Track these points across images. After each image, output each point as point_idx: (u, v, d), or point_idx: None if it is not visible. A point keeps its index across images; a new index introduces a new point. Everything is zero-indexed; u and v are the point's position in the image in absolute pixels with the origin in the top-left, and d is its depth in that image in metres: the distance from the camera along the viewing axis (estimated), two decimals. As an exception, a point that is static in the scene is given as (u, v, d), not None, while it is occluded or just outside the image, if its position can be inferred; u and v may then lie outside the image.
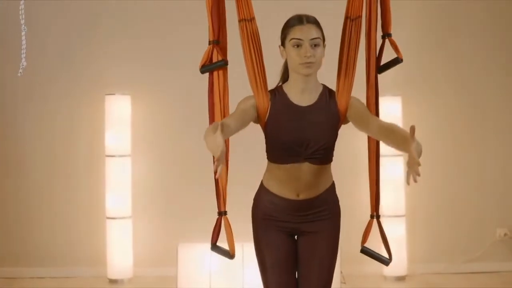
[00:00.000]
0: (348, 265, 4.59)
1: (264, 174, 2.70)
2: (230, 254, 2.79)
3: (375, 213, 2.82)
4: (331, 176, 2.67)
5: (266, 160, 2.67)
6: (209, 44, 2.74)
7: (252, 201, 2.75)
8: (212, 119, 2.80)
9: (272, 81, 2.67)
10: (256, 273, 4.34)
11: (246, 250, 4.38)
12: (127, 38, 4.93)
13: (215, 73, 2.75)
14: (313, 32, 2.49)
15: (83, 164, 4.92)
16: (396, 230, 4.81)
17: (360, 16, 2.63)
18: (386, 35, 2.76)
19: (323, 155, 2.58)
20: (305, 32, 2.49)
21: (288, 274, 2.64)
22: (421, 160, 5.04)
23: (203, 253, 4.45)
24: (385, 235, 2.80)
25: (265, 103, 2.58)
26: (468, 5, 5.09)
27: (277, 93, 2.60)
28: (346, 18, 2.64)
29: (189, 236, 4.72)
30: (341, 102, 2.58)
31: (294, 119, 2.55)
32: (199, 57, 4.84)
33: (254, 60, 2.61)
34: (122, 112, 4.77)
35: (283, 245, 2.63)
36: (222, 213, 2.84)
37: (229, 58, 2.74)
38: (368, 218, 2.83)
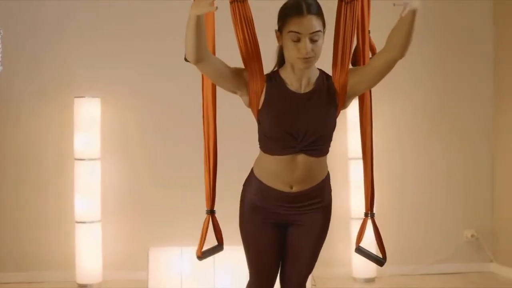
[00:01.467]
0: (318, 267, 4.56)
1: (255, 162, 2.64)
2: (221, 247, 2.78)
3: (369, 211, 2.77)
4: (326, 167, 2.62)
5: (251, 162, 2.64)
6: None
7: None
8: (205, 119, 2.77)
9: (268, 65, 2.58)
10: (227, 276, 4.40)
11: (217, 254, 4.35)
12: (97, 40, 4.87)
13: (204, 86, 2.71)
14: (314, 25, 2.39)
15: (52, 168, 4.86)
16: (366, 232, 4.83)
17: None
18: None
19: (320, 146, 2.53)
20: (305, 26, 2.38)
21: (273, 262, 2.65)
22: (391, 164, 5.12)
23: (174, 256, 4.44)
24: (379, 234, 2.76)
25: (259, 86, 2.50)
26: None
27: (273, 79, 2.52)
28: (341, 1, 2.55)
29: (160, 239, 4.71)
30: (339, 86, 2.51)
31: (290, 107, 2.48)
32: (170, 60, 4.88)
33: (248, 43, 2.50)
34: (92, 115, 4.71)
35: (270, 236, 2.62)
36: (208, 212, 2.78)
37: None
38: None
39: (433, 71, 5.21)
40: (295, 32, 2.39)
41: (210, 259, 4.38)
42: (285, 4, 2.47)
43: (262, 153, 2.58)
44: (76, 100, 4.71)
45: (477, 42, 5.25)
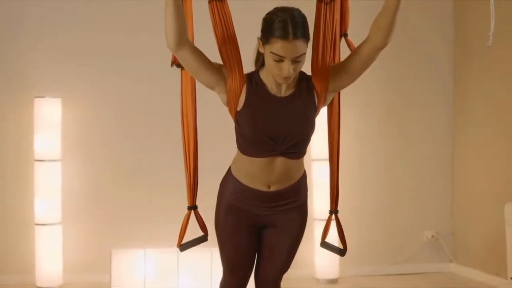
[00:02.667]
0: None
1: (233, 162, 2.62)
2: (205, 236, 2.72)
3: (334, 209, 2.78)
4: (303, 166, 2.62)
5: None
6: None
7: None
8: (183, 116, 2.70)
9: (248, 65, 2.55)
10: (191, 279, 4.38)
11: (181, 256, 4.35)
12: (58, 38, 4.77)
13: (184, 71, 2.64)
14: (299, 50, 2.35)
15: (11, 169, 4.75)
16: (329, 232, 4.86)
17: (335, 0, 2.54)
18: (344, 34, 2.73)
19: (299, 149, 2.53)
20: (290, 51, 2.33)
21: (248, 262, 2.66)
22: (351, 166, 5.13)
23: (137, 259, 4.40)
24: (342, 229, 2.78)
25: (238, 86, 2.46)
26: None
27: (254, 80, 2.49)
28: (320, 1, 2.53)
29: (123, 242, 4.65)
30: (319, 87, 2.50)
31: (271, 111, 2.46)
32: (133, 58, 4.81)
33: (227, 43, 2.47)
34: (52, 115, 4.62)
35: (246, 236, 2.62)
36: (191, 208, 2.72)
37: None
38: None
39: (393, 72, 5.26)
40: (278, 55, 2.35)
41: (174, 261, 4.41)
42: (271, 18, 2.39)
43: (240, 154, 2.56)
44: (36, 100, 4.61)
45: (437, 43, 5.32)
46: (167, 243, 4.54)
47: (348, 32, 2.73)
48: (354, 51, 2.53)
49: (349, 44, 2.70)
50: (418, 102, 5.31)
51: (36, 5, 4.78)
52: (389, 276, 5.12)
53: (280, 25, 2.33)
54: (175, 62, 2.62)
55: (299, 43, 2.34)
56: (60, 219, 4.64)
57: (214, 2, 2.47)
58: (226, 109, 2.57)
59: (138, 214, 4.81)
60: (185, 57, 2.42)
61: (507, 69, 4.71)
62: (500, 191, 4.65)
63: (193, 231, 2.71)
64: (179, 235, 2.68)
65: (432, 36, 5.32)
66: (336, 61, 2.65)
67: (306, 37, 2.37)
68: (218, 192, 2.67)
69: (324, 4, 2.52)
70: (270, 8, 2.45)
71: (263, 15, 2.44)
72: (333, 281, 4.94)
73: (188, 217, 2.70)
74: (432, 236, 5.27)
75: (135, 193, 4.83)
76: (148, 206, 4.80)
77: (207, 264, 4.40)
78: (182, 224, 2.68)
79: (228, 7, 2.49)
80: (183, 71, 2.63)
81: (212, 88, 2.51)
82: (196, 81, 2.59)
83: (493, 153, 4.82)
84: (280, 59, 2.35)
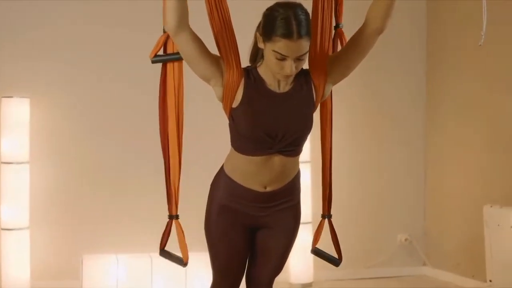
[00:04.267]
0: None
1: (227, 161, 2.53)
2: (182, 261, 2.63)
3: (326, 213, 2.74)
4: (298, 164, 2.56)
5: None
6: (164, 32, 2.52)
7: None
8: (162, 113, 2.59)
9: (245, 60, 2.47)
10: (165, 284, 4.27)
11: (155, 261, 4.26)
12: (26, 36, 4.58)
13: (169, 65, 2.54)
14: (303, 48, 2.27)
15: (-24, 172, 4.59)
16: (303, 237, 4.80)
17: None
18: (338, 25, 2.68)
19: (297, 146, 2.46)
20: (293, 50, 2.25)
21: (241, 264, 2.59)
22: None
23: (109, 264, 4.27)
24: (336, 236, 2.73)
25: (235, 80, 2.36)
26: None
27: (252, 76, 2.40)
28: None
29: (95, 247, 4.51)
30: (318, 81, 2.44)
31: (269, 107, 2.38)
32: (106, 55, 4.67)
33: (224, 35, 2.38)
34: (20, 116, 4.46)
35: (239, 238, 2.54)
36: (173, 217, 2.62)
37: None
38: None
39: (364, 73, 5.23)
40: (281, 54, 2.27)
41: (147, 266, 4.31)
42: (273, 15, 2.30)
43: (235, 151, 2.47)
44: (4, 100, 4.45)
45: (410, 43, 5.32)
46: (140, 248, 4.44)
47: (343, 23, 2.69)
48: (351, 40, 2.48)
49: (341, 36, 2.65)
50: (389, 104, 5.30)
51: (1, 3, 4.58)
52: (363, 280, 5.10)
53: (284, 23, 2.25)
54: (157, 55, 2.52)
55: (303, 42, 2.27)
56: (27, 223, 4.48)
57: None
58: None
59: (110, 218, 4.67)
60: (184, 41, 2.32)
61: (481, 70, 4.72)
62: (478, 192, 4.66)
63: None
64: (161, 241, 2.61)
65: (404, 36, 5.30)
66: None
67: (309, 35, 2.30)
68: (209, 193, 2.58)
69: None
70: (265, 1, 2.38)
71: (259, 8, 2.37)
72: (307, 286, 4.89)
73: (169, 228, 2.61)
74: (406, 239, 5.26)
75: (106, 196, 4.69)
76: (120, 210, 4.67)
77: (181, 269, 4.27)
78: (164, 232, 2.61)
79: (226, 0, 2.39)
80: (166, 65, 2.53)
81: (208, 80, 2.40)
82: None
83: (469, 155, 4.82)
84: (282, 58, 2.27)
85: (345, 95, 5.16)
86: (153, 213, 4.44)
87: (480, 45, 2.63)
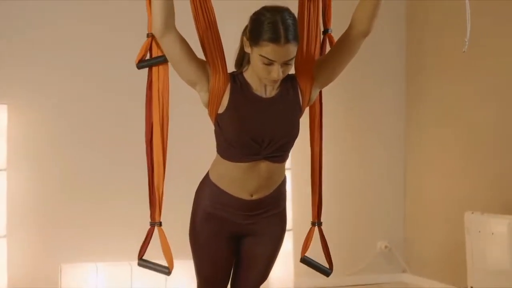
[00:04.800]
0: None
1: (212, 168, 2.50)
2: (167, 270, 2.57)
3: (316, 220, 2.72)
4: (284, 170, 2.53)
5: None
6: (148, 36, 2.49)
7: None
8: (149, 118, 2.54)
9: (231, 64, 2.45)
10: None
11: (135, 270, 4.20)
12: (2, 41, 4.48)
13: (154, 68, 2.50)
14: (290, 53, 2.25)
15: (-49, 179, 4.49)
16: (283, 244, 4.79)
17: None
18: (326, 31, 2.66)
19: (284, 152, 2.43)
20: (281, 55, 2.23)
21: (226, 273, 2.56)
22: (302, 176, 5.00)
23: (88, 273, 4.22)
24: (326, 244, 2.71)
25: (221, 85, 2.34)
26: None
27: (238, 81, 2.38)
28: None
29: (73, 255, 4.43)
30: (304, 86, 2.42)
31: (256, 112, 2.36)
32: (86, 60, 4.61)
33: (210, 39, 2.36)
34: (-3, 122, 4.40)
35: (224, 246, 2.51)
36: (155, 224, 2.57)
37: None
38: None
39: (343, 78, 5.22)
40: (268, 59, 2.25)
41: (127, 275, 4.25)
42: (259, 19, 2.27)
43: (221, 158, 2.44)
44: (-20, 107, 4.37)
45: (389, 47, 5.34)
46: (120, 256, 4.38)
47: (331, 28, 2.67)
48: (337, 43, 2.48)
49: (331, 41, 2.63)
50: (368, 110, 5.31)
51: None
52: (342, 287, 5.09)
53: (271, 27, 2.23)
54: (142, 60, 2.48)
55: (291, 47, 2.25)
56: (4, 231, 4.38)
57: None
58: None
59: (88, 226, 4.60)
60: (171, 43, 2.30)
61: (460, 74, 4.75)
62: (459, 199, 4.67)
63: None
64: (140, 249, 2.56)
65: (383, 40, 5.31)
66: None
67: (297, 40, 2.28)
68: (194, 200, 2.54)
69: (307, 0, 2.46)
70: (250, 6, 2.36)
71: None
72: (288, 293, 4.88)
73: (150, 235, 2.55)
74: (386, 247, 5.26)
75: (85, 204, 4.61)
76: (99, 218, 4.59)
77: (162, 277, 4.23)
78: (144, 240, 2.56)
79: (211, 3, 2.37)
80: (153, 69, 2.50)
81: (194, 85, 2.38)
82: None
83: (450, 161, 4.84)
84: (270, 63, 2.25)
85: (323, 100, 5.15)
86: (133, 220, 4.39)
87: (464, 51, 2.63)
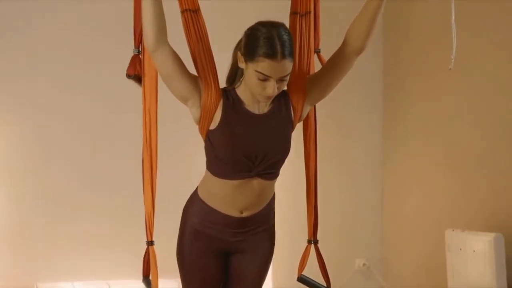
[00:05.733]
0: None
1: (201, 184, 2.47)
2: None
3: (312, 238, 2.72)
4: (274, 187, 2.51)
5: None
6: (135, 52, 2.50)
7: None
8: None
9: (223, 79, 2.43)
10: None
11: (113, 288, 4.15)
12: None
13: (143, 86, 2.48)
14: (286, 69, 2.23)
15: None
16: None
17: (310, 12, 2.46)
18: (317, 50, 2.66)
19: (276, 169, 2.42)
20: (277, 71, 2.21)
21: None
22: (281, 193, 4.97)
23: (65, 292, 4.16)
24: (323, 261, 2.71)
25: (213, 102, 2.31)
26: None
27: (230, 97, 2.35)
28: (295, 13, 2.46)
29: (50, 274, 4.33)
30: (296, 102, 2.41)
31: (249, 129, 2.34)
32: (63, 72, 4.48)
33: (202, 55, 2.33)
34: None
35: (213, 264, 2.49)
36: (148, 243, 2.53)
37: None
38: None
39: (322, 101, 5.24)
40: (264, 74, 2.22)
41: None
42: (255, 34, 2.26)
43: (211, 175, 2.41)
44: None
45: (366, 67, 5.33)
46: (97, 275, 4.29)
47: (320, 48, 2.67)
48: (330, 60, 2.47)
49: (321, 61, 2.63)
50: (345, 127, 5.31)
51: None
52: (322, 305, 5.04)
53: (267, 42, 2.21)
54: (134, 73, 2.45)
55: (287, 63, 2.23)
56: (-23, 250, 4.31)
57: (187, 12, 2.33)
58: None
59: (65, 244, 4.48)
60: (163, 58, 2.27)
61: (439, 90, 4.76)
62: (438, 216, 4.68)
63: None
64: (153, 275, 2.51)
65: (361, 55, 5.30)
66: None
67: (293, 56, 2.27)
68: (182, 218, 2.51)
69: (300, 16, 2.46)
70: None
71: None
72: (267, 311, 4.82)
73: (149, 254, 2.51)
74: (364, 264, 5.24)
75: (62, 222, 4.49)
76: (76, 236, 4.48)
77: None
78: (150, 262, 2.52)
79: (203, 18, 2.36)
80: (145, 84, 2.46)
81: (185, 100, 2.35)
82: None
83: (429, 178, 4.85)
84: (265, 78, 2.23)
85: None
86: (110, 239, 4.32)
87: (450, 68, 2.64)
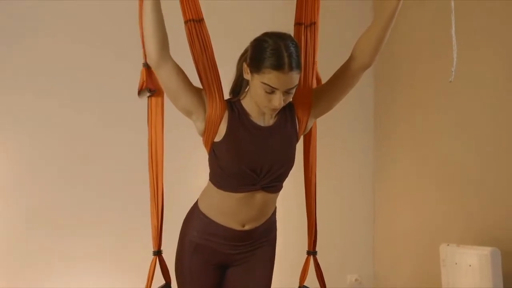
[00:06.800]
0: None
1: (203, 196, 2.44)
2: (166, 285, 2.53)
3: (312, 249, 2.74)
4: (276, 201, 2.50)
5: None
6: (143, 66, 2.44)
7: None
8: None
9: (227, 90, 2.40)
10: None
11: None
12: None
13: (148, 102, 2.45)
14: (294, 81, 2.20)
15: None
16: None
17: (316, 22, 2.44)
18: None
19: (281, 182, 2.40)
20: (284, 83, 2.18)
21: None
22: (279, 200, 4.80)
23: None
24: (321, 273, 2.71)
25: (218, 113, 2.28)
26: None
27: (235, 108, 2.32)
28: (299, 24, 2.43)
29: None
30: (302, 114, 2.39)
31: (255, 142, 2.31)
32: (55, 87, 4.28)
33: (206, 66, 2.30)
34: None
35: (212, 279, 2.46)
36: (154, 253, 2.50)
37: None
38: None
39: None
40: (271, 86, 2.19)
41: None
42: (262, 46, 2.22)
43: (214, 187, 2.38)
44: None
45: (358, 88, 5.33)
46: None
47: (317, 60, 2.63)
48: (336, 74, 2.45)
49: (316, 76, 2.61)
50: (337, 142, 5.29)
51: None
52: (313, 322, 5.00)
53: (274, 54, 2.18)
54: (147, 87, 2.41)
55: (294, 75, 2.20)
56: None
57: (191, 22, 2.30)
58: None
59: (50, 263, 4.29)
60: (167, 73, 2.24)
61: (431, 106, 4.76)
62: (431, 231, 4.66)
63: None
64: (146, 285, 2.47)
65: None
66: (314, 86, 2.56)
67: (300, 68, 2.24)
68: (181, 231, 2.49)
69: (304, 27, 2.43)
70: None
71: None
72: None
73: (154, 265, 2.48)
74: (356, 280, 5.21)
75: (46, 242, 4.29)
76: (61, 255, 4.31)
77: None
78: (149, 272, 2.47)
79: (206, 28, 2.33)
80: (152, 99, 2.43)
81: (190, 114, 2.31)
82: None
83: (422, 194, 4.84)
84: (272, 90, 2.20)
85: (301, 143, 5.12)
86: (96, 258, 4.23)
87: (451, 81, 2.63)
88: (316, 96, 2.43)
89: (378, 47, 2.38)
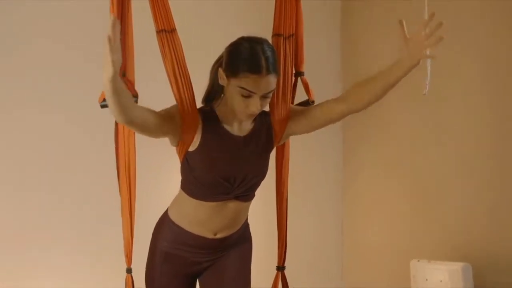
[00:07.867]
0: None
1: (173, 205, 2.39)
2: None
3: (281, 265, 2.74)
4: (248, 209, 2.48)
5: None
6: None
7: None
8: (117, 164, 2.43)
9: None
10: None
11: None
12: None
13: None
14: (271, 85, 2.17)
15: None
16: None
17: (293, 35, 2.42)
18: (298, 73, 2.58)
19: (253, 191, 2.38)
20: (261, 87, 2.14)
21: None
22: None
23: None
24: None
25: (192, 125, 2.23)
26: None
27: (209, 117, 2.27)
28: (278, 35, 2.40)
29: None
30: (278, 126, 2.35)
31: (229, 151, 2.27)
32: (31, 91, 4.09)
33: (178, 78, 2.25)
34: None
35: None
36: (127, 271, 2.47)
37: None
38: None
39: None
40: (248, 90, 2.15)
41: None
42: (238, 49, 2.19)
43: (186, 196, 2.33)
44: None
45: (327, 91, 5.27)
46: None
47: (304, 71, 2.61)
48: (323, 107, 2.38)
49: (305, 85, 2.56)
50: (304, 157, 5.22)
51: None
52: None
53: (251, 57, 2.15)
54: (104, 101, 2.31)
55: (271, 78, 2.17)
56: None
57: (162, 32, 2.27)
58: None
59: (24, 280, 4.12)
60: (139, 127, 2.14)
61: (400, 120, 4.74)
62: (402, 247, 4.64)
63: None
64: None
65: (320, 82, 5.24)
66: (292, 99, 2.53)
67: (277, 72, 2.21)
68: (151, 241, 2.44)
69: (283, 39, 2.41)
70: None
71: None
72: None
73: (130, 283, 2.44)
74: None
75: (23, 258, 4.09)
76: (37, 271, 4.09)
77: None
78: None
79: (179, 39, 2.29)
80: None
81: (165, 136, 2.27)
82: None
83: (391, 209, 4.81)
84: (249, 95, 2.16)
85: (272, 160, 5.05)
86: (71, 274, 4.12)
87: (425, 94, 2.59)
88: (294, 115, 2.40)
89: (375, 101, 2.35)
